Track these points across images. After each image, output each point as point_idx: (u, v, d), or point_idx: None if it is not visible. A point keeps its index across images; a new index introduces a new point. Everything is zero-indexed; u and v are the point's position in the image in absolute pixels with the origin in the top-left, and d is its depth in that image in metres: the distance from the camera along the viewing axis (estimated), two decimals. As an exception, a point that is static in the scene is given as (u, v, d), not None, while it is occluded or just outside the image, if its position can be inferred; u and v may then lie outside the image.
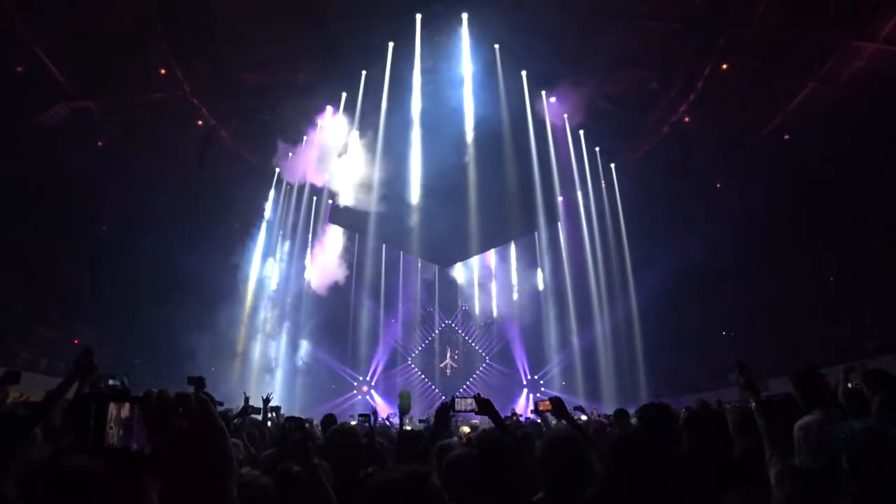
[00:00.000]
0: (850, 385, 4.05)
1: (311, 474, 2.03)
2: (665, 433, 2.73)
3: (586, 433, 3.32)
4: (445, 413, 3.22)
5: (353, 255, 22.60)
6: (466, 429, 7.32)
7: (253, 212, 21.78)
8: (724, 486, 2.18)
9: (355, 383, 22.86)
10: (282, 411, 7.35)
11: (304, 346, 21.50)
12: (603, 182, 20.85)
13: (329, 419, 5.63)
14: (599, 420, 7.44)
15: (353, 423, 6.22)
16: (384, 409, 16.79)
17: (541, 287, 22.97)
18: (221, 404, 6.03)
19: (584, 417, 7.25)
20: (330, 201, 20.84)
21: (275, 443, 4.68)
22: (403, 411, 5.13)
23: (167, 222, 16.82)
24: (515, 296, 24.01)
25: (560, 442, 2.26)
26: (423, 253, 21.34)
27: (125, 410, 0.73)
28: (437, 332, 24.82)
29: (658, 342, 18.73)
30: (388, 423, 8.04)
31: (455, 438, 5.69)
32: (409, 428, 6.57)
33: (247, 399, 5.54)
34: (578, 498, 2.02)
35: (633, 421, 5.75)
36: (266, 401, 6.07)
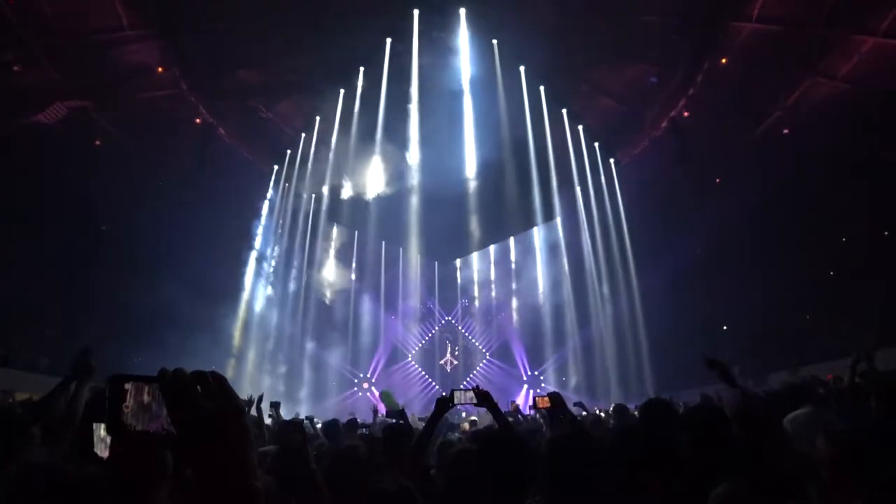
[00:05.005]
0: (856, 379, 4.07)
1: (310, 477, 2.02)
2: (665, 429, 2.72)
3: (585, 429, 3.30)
4: (443, 406, 3.21)
5: (352, 252, 22.60)
6: (467, 425, 7.31)
7: (252, 210, 21.73)
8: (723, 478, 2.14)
9: (356, 380, 22.90)
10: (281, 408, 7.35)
11: (302, 345, 21.48)
12: (602, 177, 20.82)
13: (331, 426, 5.58)
14: (597, 415, 7.46)
15: (350, 418, 6.22)
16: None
17: (540, 283, 22.97)
18: None
19: (584, 413, 7.24)
20: (329, 198, 20.82)
21: (274, 440, 4.69)
22: (396, 409, 5.09)
23: (166, 221, 16.77)
24: (515, 294, 24.01)
25: (567, 441, 2.13)
26: (423, 249, 21.35)
27: (144, 394, 0.72)
28: (437, 328, 24.85)
29: (660, 336, 18.74)
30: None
31: (457, 434, 5.70)
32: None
33: (260, 398, 5.78)
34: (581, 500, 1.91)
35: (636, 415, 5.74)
36: (264, 401, 6.09)
